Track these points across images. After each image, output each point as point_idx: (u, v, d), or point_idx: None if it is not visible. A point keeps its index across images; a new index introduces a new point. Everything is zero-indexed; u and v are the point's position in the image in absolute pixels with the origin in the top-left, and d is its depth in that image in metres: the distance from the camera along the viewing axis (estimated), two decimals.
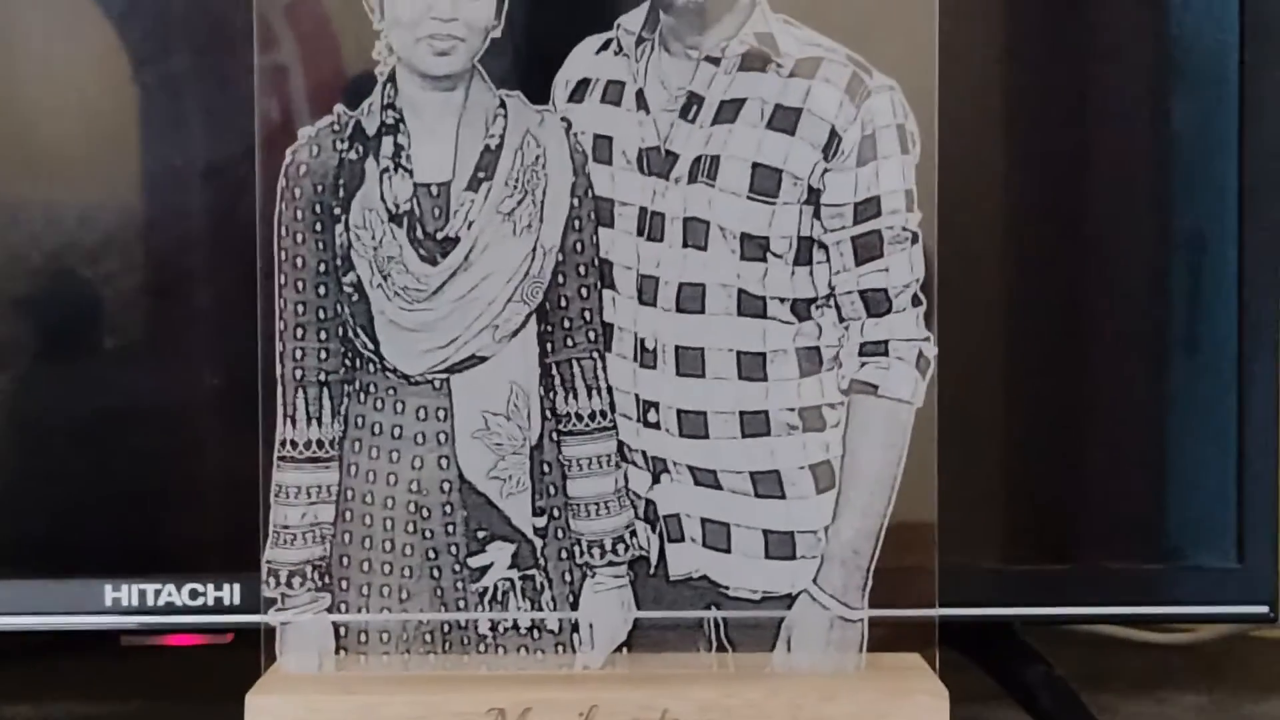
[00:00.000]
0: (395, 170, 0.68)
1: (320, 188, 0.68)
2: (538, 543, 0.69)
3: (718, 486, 0.69)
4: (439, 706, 0.66)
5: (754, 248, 0.68)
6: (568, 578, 0.69)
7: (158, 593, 0.77)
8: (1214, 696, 0.91)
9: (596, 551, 0.69)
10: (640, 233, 0.69)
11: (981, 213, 0.79)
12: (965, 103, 0.76)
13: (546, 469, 0.69)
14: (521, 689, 0.66)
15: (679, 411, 0.69)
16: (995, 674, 0.80)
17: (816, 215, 0.68)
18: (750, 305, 0.68)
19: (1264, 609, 0.79)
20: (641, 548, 0.69)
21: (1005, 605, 0.77)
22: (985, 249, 0.80)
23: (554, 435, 0.69)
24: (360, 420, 0.68)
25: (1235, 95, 0.79)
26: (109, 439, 0.79)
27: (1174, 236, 0.80)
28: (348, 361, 0.68)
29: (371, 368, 0.68)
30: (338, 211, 0.68)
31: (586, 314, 0.69)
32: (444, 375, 0.68)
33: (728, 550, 0.69)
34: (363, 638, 0.69)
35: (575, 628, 0.69)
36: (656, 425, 0.69)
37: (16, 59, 0.79)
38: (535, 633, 0.69)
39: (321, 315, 0.68)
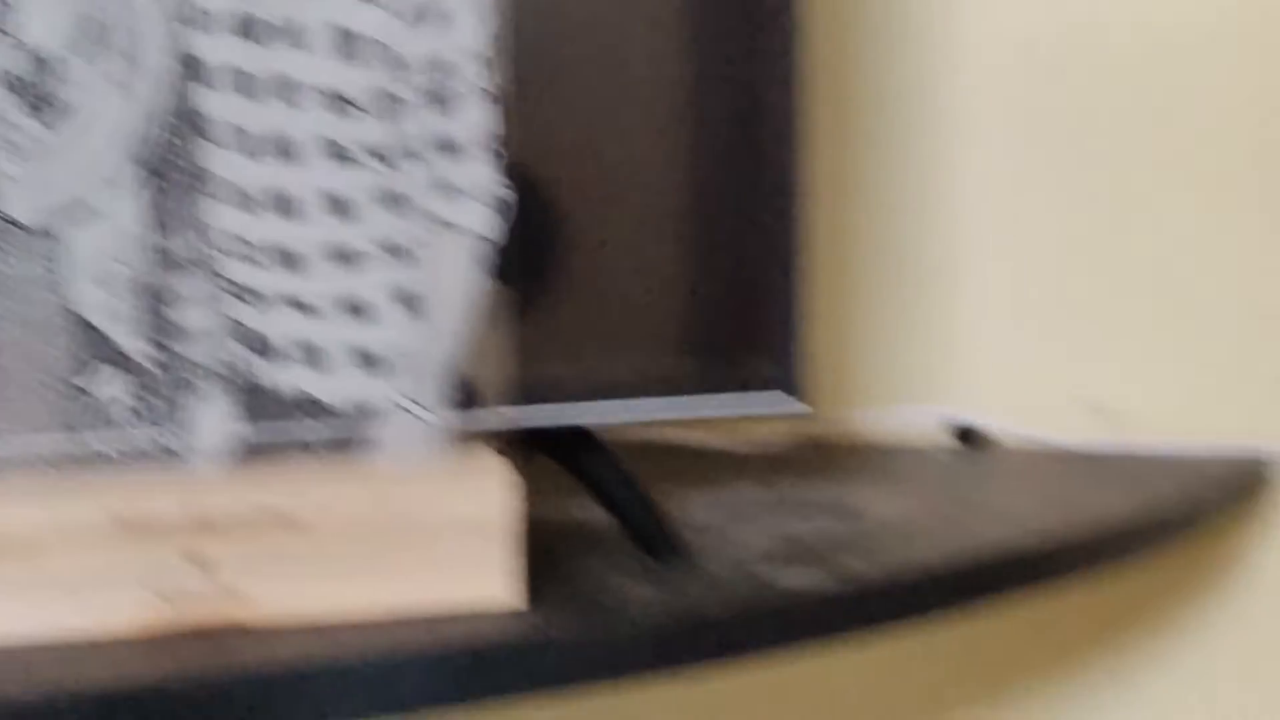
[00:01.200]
0: (4, 36, 0.74)
1: None
2: (150, 367, 0.75)
3: (316, 313, 0.77)
4: (61, 512, 0.72)
5: (342, 103, 0.76)
6: (180, 400, 0.76)
7: None
8: (770, 489, 1.03)
9: (204, 374, 0.76)
10: (237, 90, 0.76)
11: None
12: None
13: (157, 301, 0.76)
14: (137, 496, 0.73)
15: (277, 249, 0.77)
16: (575, 474, 0.88)
17: (399, 72, 0.76)
18: (340, 152, 0.76)
19: (803, 407, 0.88)
20: (248, 369, 0.77)
21: (571, 409, 0.85)
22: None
23: (162, 271, 0.76)
24: None
25: None
26: None
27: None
28: None
29: None
30: None
31: (190, 165, 0.76)
32: (59, 223, 0.74)
33: (326, 369, 0.77)
34: None
35: (188, 444, 0.76)
36: (257, 261, 0.77)
37: None
38: (150, 450, 0.76)
39: None
